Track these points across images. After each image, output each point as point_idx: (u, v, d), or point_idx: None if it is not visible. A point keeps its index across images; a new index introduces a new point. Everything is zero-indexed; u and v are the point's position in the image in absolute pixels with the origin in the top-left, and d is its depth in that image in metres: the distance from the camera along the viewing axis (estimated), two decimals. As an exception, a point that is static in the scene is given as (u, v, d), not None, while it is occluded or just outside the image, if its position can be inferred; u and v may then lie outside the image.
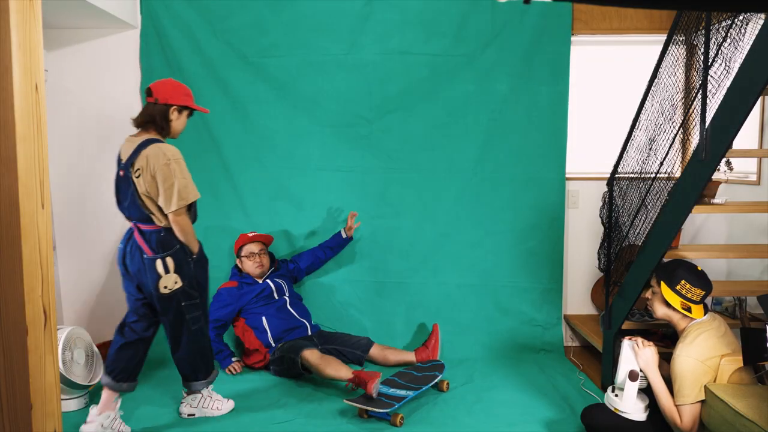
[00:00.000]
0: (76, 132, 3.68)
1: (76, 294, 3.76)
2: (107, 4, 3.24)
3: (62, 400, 2.78)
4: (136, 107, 3.66)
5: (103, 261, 3.75)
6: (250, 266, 3.46)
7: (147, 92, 2.56)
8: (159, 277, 2.50)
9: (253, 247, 3.49)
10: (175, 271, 2.52)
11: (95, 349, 3.03)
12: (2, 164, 1.24)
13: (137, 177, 2.47)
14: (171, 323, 2.61)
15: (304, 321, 3.42)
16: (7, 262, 1.26)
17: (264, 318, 3.36)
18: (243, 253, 3.50)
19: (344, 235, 3.59)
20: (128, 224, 2.58)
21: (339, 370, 2.92)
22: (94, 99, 3.66)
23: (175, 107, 2.55)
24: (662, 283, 2.42)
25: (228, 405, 2.84)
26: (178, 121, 2.59)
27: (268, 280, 3.49)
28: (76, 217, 3.72)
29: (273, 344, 3.32)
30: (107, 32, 3.62)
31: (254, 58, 3.61)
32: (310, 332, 3.40)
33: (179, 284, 2.53)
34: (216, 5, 3.55)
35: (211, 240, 3.65)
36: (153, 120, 2.53)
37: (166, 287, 2.50)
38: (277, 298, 3.45)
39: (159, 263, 2.49)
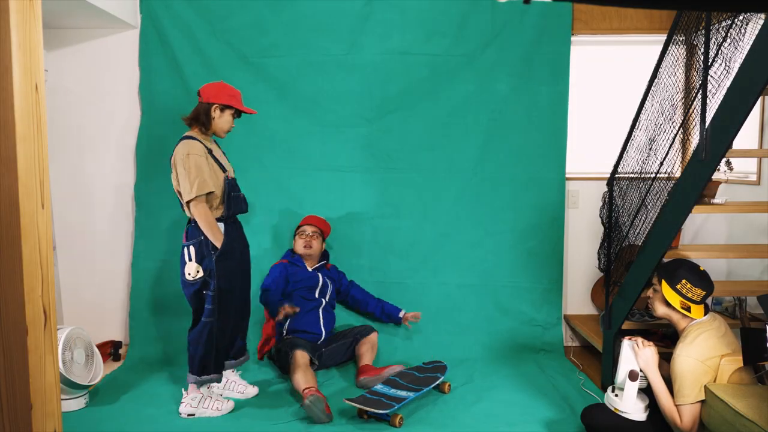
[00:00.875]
0: (76, 132, 3.68)
1: (76, 294, 3.76)
2: (107, 4, 3.24)
3: (62, 400, 2.78)
4: (136, 107, 3.67)
5: (103, 261, 3.75)
6: (299, 244, 3.46)
7: (197, 94, 2.79)
8: (184, 263, 2.72)
9: (307, 228, 3.50)
10: (197, 261, 2.69)
11: (95, 349, 3.03)
12: (2, 164, 1.24)
13: (171, 171, 2.73)
14: (192, 308, 2.79)
15: (323, 331, 3.39)
16: (7, 262, 1.26)
17: None
18: (298, 231, 3.52)
19: (400, 316, 3.56)
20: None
21: (299, 382, 2.84)
22: (94, 99, 3.66)
23: (216, 106, 2.73)
24: (663, 281, 2.42)
25: (228, 405, 2.84)
26: (220, 119, 2.76)
27: (319, 273, 3.49)
28: (76, 217, 3.72)
29: (284, 335, 3.34)
30: (107, 32, 3.62)
31: (254, 59, 3.61)
32: (320, 341, 3.38)
33: (201, 274, 2.70)
34: (216, 5, 3.55)
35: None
36: (197, 117, 2.75)
37: (189, 274, 2.71)
38: (317, 296, 3.43)
39: (185, 251, 2.72)
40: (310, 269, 3.48)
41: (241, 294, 2.95)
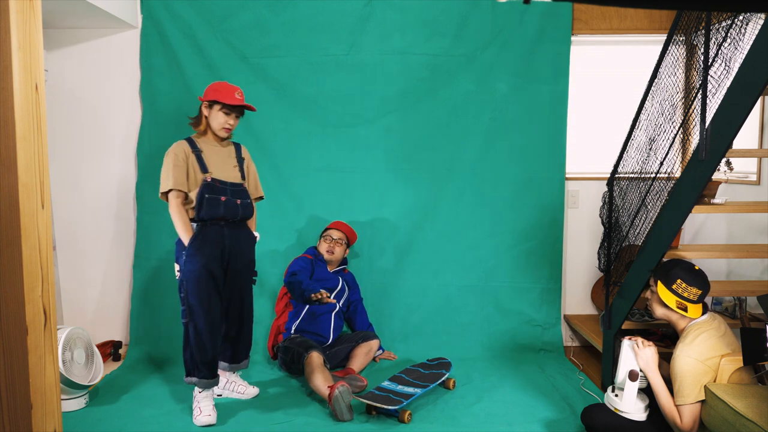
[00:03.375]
0: (76, 132, 3.68)
1: (76, 294, 3.76)
2: (107, 4, 3.24)
3: (62, 400, 2.78)
4: (136, 107, 3.67)
5: (103, 261, 3.75)
6: (324, 247, 3.47)
7: None
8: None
9: (334, 233, 3.50)
10: (176, 260, 2.73)
11: (95, 349, 3.03)
12: (2, 164, 1.24)
13: None
14: None
15: (331, 336, 3.38)
16: (7, 262, 1.26)
17: (306, 307, 3.37)
18: (324, 234, 3.52)
19: (377, 351, 3.50)
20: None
21: (323, 385, 2.82)
22: (94, 99, 3.66)
23: (205, 103, 2.73)
24: (659, 282, 2.42)
25: (206, 418, 2.67)
26: (211, 116, 2.73)
27: (340, 277, 3.50)
28: (76, 217, 3.72)
29: (291, 333, 3.33)
30: (107, 32, 3.62)
31: (254, 59, 3.61)
32: (326, 345, 3.37)
33: (178, 274, 2.71)
34: (216, 5, 3.55)
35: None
36: (195, 118, 2.79)
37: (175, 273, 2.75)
38: (332, 300, 3.43)
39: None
40: (330, 272, 3.49)
41: (221, 302, 2.76)
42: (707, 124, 2.30)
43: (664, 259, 2.62)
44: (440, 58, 3.62)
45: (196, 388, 2.77)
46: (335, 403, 2.68)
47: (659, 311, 2.46)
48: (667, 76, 2.69)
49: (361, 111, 3.67)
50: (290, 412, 2.83)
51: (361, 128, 3.68)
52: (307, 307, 3.38)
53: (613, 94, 3.78)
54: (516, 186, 3.70)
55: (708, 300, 3.38)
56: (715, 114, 2.26)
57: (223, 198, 2.68)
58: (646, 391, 2.43)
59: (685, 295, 2.36)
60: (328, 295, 3.09)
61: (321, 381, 2.84)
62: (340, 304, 3.47)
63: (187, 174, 2.67)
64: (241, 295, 2.86)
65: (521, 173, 3.69)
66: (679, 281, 2.36)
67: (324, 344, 3.35)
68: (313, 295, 3.05)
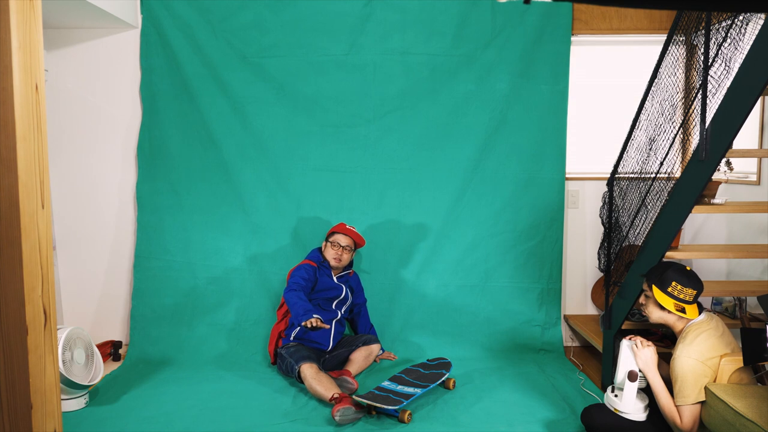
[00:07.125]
0: (76, 132, 3.68)
1: (76, 294, 3.76)
2: (107, 4, 3.24)
3: (62, 400, 2.78)
4: (136, 107, 3.67)
5: (103, 261, 3.75)
6: (331, 254, 3.37)
7: None
8: None
9: (342, 239, 3.40)
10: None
11: (95, 349, 3.03)
12: (2, 164, 1.24)
13: None
14: None
15: (331, 343, 3.33)
16: (7, 262, 1.26)
17: None
18: (331, 239, 3.41)
19: (378, 351, 3.51)
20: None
21: (320, 391, 2.85)
22: (94, 99, 3.67)
23: None
24: (654, 286, 2.42)
25: None
26: None
27: (343, 285, 3.42)
28: (76, 217, 3.72)
29: (291, 339, 3.29)
30: (107, 32, 3.62)
31: (254, 58, 3.61)
32: (327, 350, 3.34)
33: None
34: (216, 5, 3.55)
35: (209, 241, 3.67)
36: None
37: None
38: (334, 308, 3.37)
39: None
40: (335, 278, 3.41)
41: None
42: (707, 124, 2.30)
43: (665, 260, 2.62)
44: (440, 58, 3.62)
45: None
46: (342, 423, 2.68)
47: (656, 315, 2.46)
48: (667, 76, 2.69)
49: (361, 111, 3.67)
50: (290, 413, 2.83)
51: (361, 128, 3.68)
52: None
53: (614, 93, 3.78)
54: (516, 186, 3.69)
55: (708, 300, 3.38)
56: (715, 114, 2.26)
57: None
58: (646, 391, 2.43)
59: (681, 296, 2.37)
60: (321, 320, 2.97)
61: (320, 388, 2.86)
62: (342, 311, 3.42)
63: None
64: None
65: (521, 173, 3.69)
66: (674, 284, 2.37)
67: (323, 351, 3.32)
68: (305, 323, 2.94)
